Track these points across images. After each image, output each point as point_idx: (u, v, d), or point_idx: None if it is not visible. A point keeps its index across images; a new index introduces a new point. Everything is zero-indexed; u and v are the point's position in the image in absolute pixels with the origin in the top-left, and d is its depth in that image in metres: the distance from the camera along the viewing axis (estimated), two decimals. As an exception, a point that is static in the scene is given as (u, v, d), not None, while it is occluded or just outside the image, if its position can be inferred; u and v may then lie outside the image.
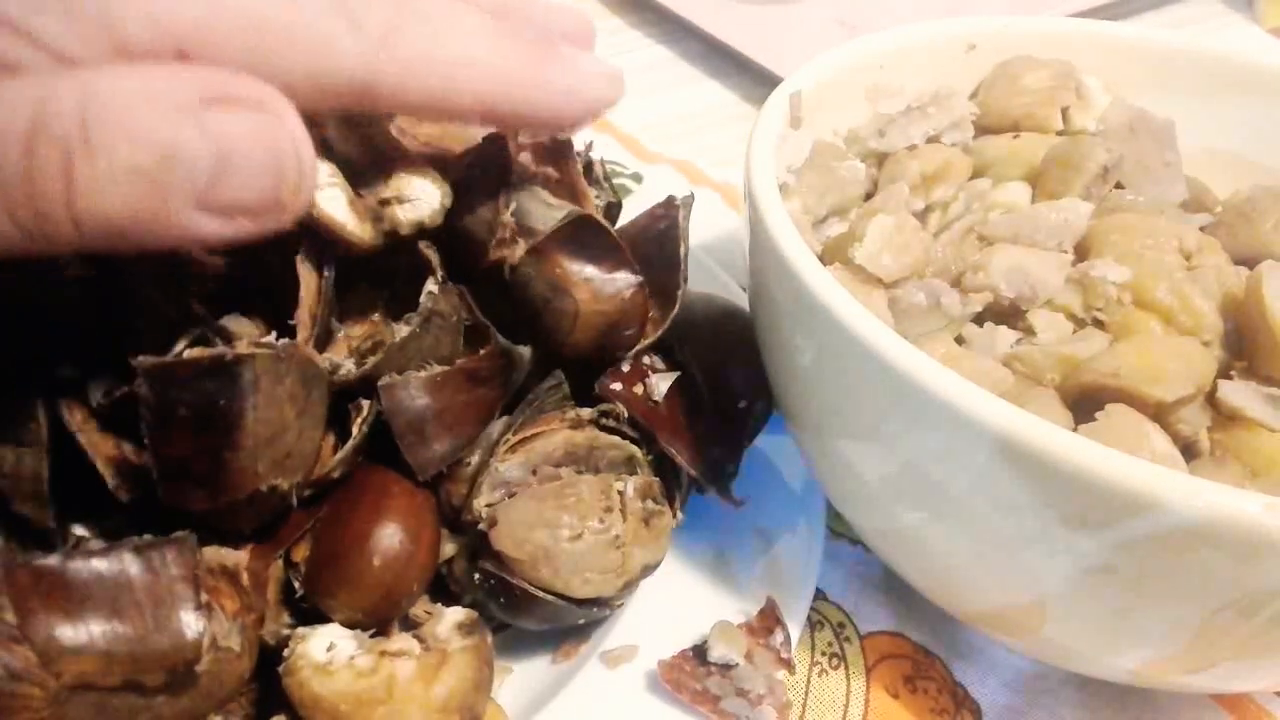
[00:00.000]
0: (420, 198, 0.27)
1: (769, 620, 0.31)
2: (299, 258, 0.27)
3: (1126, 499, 0.22)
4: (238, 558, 0.27)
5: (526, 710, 0.30)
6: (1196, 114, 0.37)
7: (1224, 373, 0.28)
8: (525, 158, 0.34)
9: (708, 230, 0.48)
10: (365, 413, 0.28)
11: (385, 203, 0.27)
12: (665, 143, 0.58)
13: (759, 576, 0.33)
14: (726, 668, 0.30)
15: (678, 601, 0.32)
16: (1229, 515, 0.21)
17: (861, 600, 0.36)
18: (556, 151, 0.33)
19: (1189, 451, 0.27)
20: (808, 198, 0.34)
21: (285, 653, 0.26)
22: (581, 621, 0.31)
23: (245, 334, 0.27)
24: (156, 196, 0.19)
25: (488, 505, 0.29)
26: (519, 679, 0.31)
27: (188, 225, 0.20)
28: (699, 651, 0.30)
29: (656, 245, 0.32)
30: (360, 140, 0.27)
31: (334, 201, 0.27)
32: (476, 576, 0.29)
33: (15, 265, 0.28)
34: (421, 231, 0.28)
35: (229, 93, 0.20)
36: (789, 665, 0.30)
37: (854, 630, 0.35)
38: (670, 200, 0.32)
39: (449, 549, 0.30)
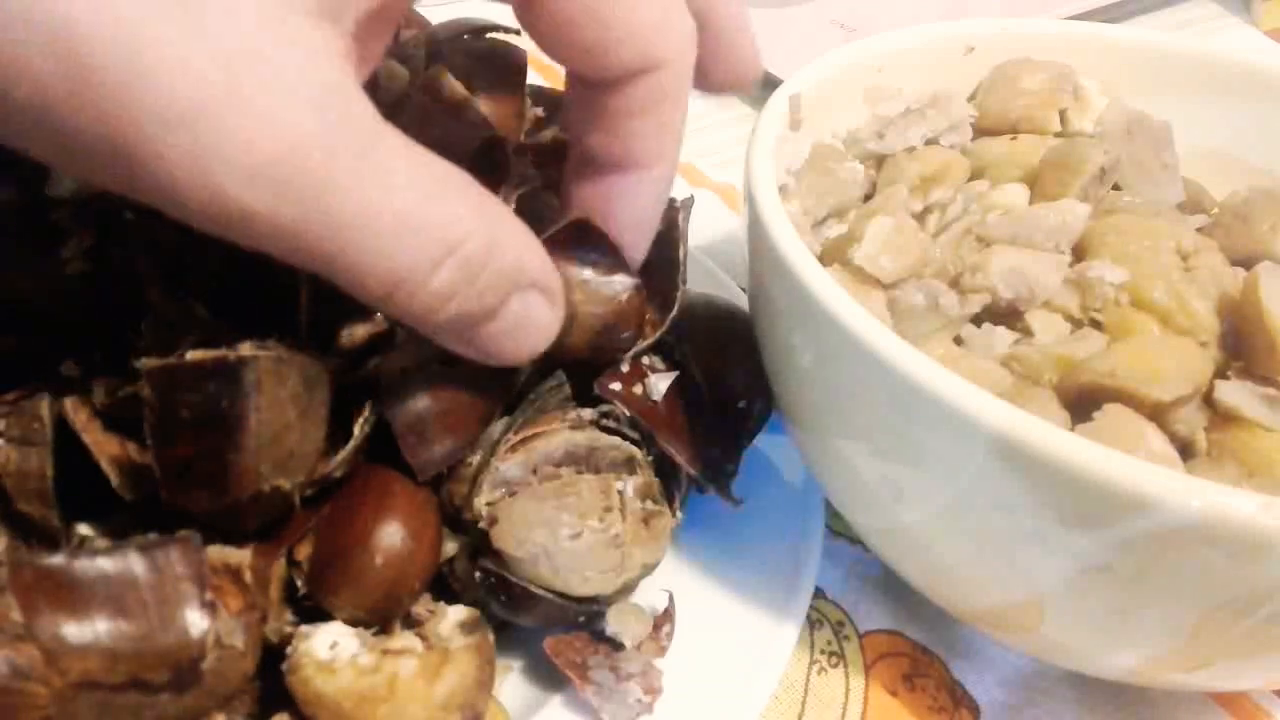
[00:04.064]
0: None
1: (665, 618, 0.32)
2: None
3: (1124, 498, 0.22)
4: (241, 556, 0.27)
5: (527, 709, 0.30)
6: (1194, 116, 0.37)
7: (1221, 373, 0.28)
8: (525, 159, 0.34)
9: (708, 231, 0.48)
10: (367, 413, 0.28)
11: None
12: (665, 144, 0.58)
13: (758, 575, 0.34)
14: (615, 648, 0.30)
15: (677, 601, 0.32)
16: (1226, 515, 0.21)
17: (860, 599, 0.36)
18: (557, 153, 0.34)
19: (1186, 451, 0.27)
20: (807, 199, 0.34)
21: (288, 651, 0.26)
22: (581, 620, 0.31)
23: (247, 336, 0.27)
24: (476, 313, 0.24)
25: (488, 504, 0.30)
26: (520, 677, 0.32)
27: (462, 349, 0.25)
28: (596, 631, 0.31)
29: (656, 247, 0.32)
30: None
31: None
32: (477, 575, 0.30)
33: (17, 264, 0.28)
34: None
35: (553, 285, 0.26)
36: (663, 651, 0.31)
37: (853, 629, 0.35)
38: (670, 202, 0.33)
39: (450, 547, 0.30)
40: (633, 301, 0.30)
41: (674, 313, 0.32)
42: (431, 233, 0.22)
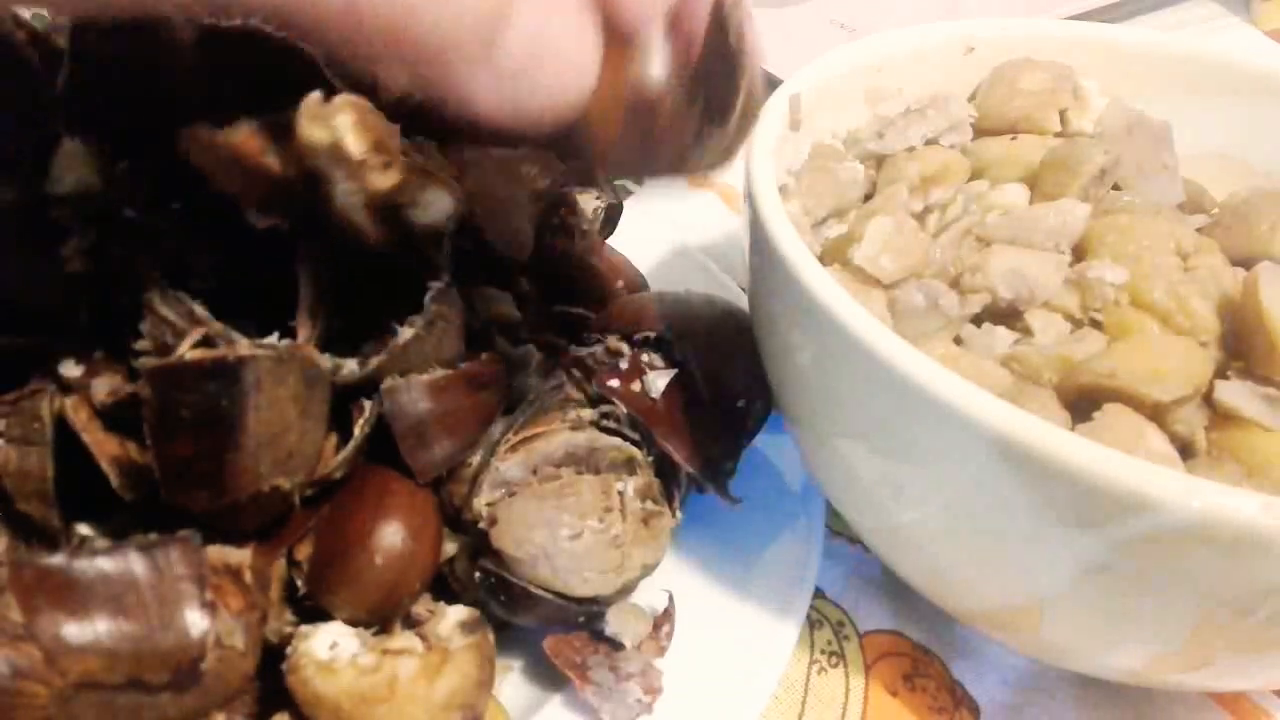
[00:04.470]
0: (433, 203, 0.27)
1: (665, 618, 0.32)
2: (299, 258, 0.28)
3: (1124, 498, 0.22)
4: (241, 556, 0.27)
5: (527, 708, 0.30)
6: (1194, 116, 0.37)
7: (1221, 373, 0.28)
8: None
9: (708, 231, 0.48)
10: (367, 413, 0.28)
11: (398, 208, 0.27)
12: (665, 144, 0.58)
13: (758, 575, 0.34)
14: (615, 648, 0.30)
15: (677, 601, 0.32)
16: (1226, 515, 0.21)
17: (860, 599, 0.36)
18: None
19: (1186, 451, 0.27)
20: (807, 199, 0.34)
21: (288, 651, 0.27)
22: (581, 620, 0.31)
23: (247, 336, 0.27)
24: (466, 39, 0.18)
25: (488, 504, 0.30)
26: (520, 677, 0.32)
27: (465, 82, 0.19)
28: (596, 631, 0.31)
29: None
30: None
31: (351, 206, 0.27)
32: (477, 575, 0.30)
33: (17, 263, 0.28)
34: (428, 233, 0.28)
35: None
36: (663, 651, 0.31)
37: (853, 629, 0.35)
38: None
39: (450, 548, 0.30)
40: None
41: (739, 111, 0.25)
42: None
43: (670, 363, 0.33)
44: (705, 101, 0.25)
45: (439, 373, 0.28)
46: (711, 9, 0.25)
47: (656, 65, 0.23)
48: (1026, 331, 0.30)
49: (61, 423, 0.26)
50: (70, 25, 0.26)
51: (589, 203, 0.38)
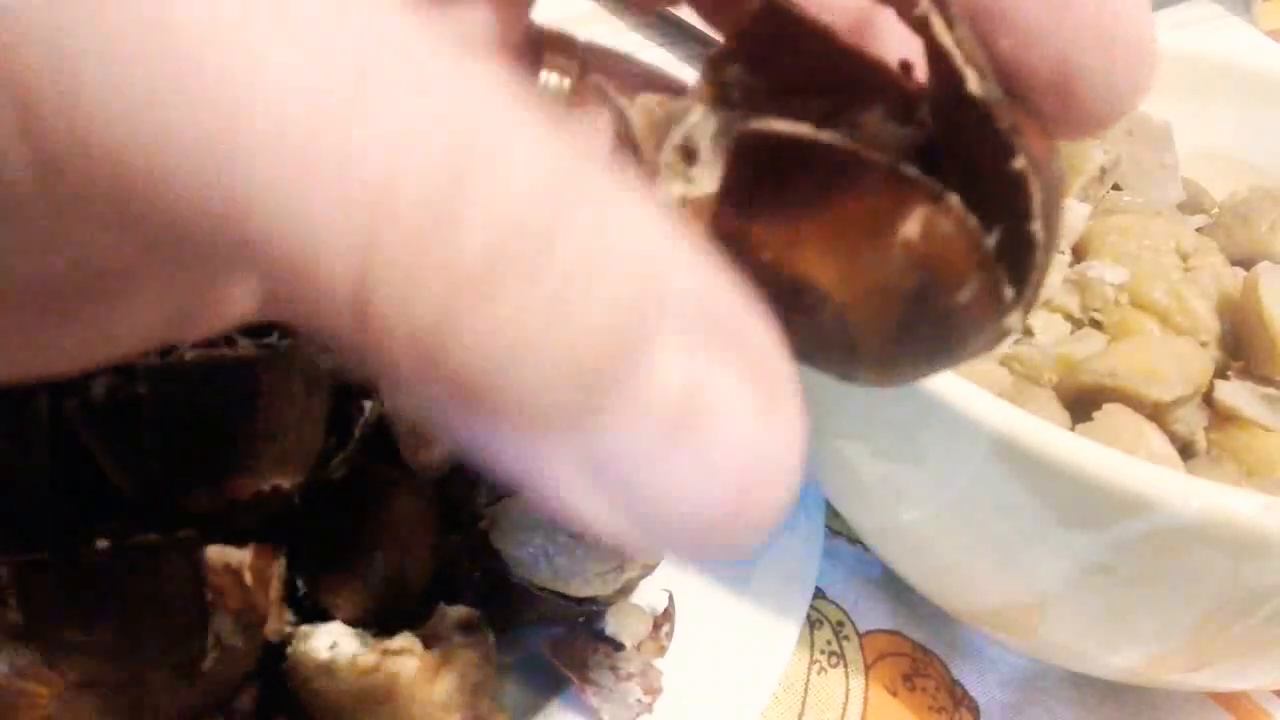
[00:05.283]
0: None
1: (665, 618, 0.32)
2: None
3: (1124, 499, 0.22)
4: (241, 556, 0.27)
5: (527, 709, 0.30)
6: (1194, 116, 0.37)
7: (1221, 373, 0.28)
8: None
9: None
10: (367, 413, 0.28)
11: None
12: (665, 144, 0.58)
13: (758, 575, 0.34)
14: (615, 648, 0.30)
15: (677, 601, 0.32)
16: (1226, 515, 0.21)
17: (860, 599, 0.36)
18: None
19: (1186, 451, 0.27)
20: (807, 199, 0.34)
21: (288, 651, 0.26)
22: (581, 620, 0.31)
23: (247, 336, 0.27)
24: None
25: (488, 504, 0.30)
26: (520, 677, 0.32)
27: (569, 490, 0.10)
28: (596, 631, 0.31)
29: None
30: None
31: None
32: (477, 575, 0.30)
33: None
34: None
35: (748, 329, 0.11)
36: (663, 651, 0.31)
37: (853, 629, 0.35)
38: None
39: (450, 548, 0.30)
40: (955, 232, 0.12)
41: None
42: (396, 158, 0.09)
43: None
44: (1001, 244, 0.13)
45: (439, 372, 0.28)
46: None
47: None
48: (1027, 331, 0.30)
49: (61, 422, 0.26)
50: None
51: None
